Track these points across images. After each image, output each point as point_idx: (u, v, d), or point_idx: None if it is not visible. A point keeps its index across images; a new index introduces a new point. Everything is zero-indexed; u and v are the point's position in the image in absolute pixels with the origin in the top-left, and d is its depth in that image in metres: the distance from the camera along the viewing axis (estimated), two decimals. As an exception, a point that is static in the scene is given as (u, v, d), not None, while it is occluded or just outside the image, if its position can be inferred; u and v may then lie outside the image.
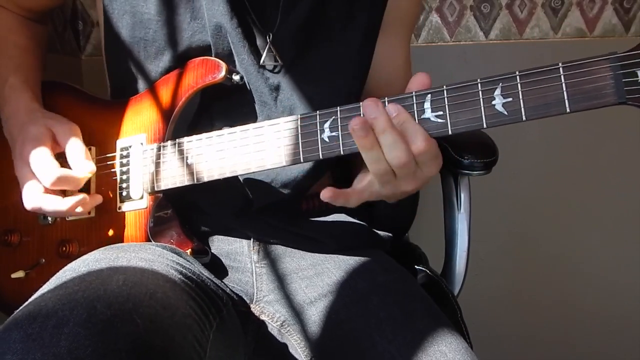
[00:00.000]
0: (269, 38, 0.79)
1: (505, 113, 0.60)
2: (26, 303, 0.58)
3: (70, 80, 0.94)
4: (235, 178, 0.83)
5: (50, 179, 0.76)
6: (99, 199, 0.82)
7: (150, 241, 0.79)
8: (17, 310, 0.57)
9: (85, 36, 1.27)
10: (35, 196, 0.77)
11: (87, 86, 1.21)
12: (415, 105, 0.64)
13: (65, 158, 0.80)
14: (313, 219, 0.87)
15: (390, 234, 0.90)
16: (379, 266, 0.83)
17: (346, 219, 0.88)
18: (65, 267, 0.66)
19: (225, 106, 0.83)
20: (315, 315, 0.78)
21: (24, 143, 0.79)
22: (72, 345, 0.50)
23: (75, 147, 0.80)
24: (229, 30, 0.78)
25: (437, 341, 0.70)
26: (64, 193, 0.80)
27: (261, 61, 0.80)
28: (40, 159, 0.77)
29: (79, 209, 0.79)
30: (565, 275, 1.59)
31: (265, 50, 0.79)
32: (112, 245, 0.76)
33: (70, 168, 0.79)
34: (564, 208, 1.54)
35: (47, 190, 0.78)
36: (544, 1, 1.43)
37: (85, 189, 0.82)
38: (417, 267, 0.93)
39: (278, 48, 0.80)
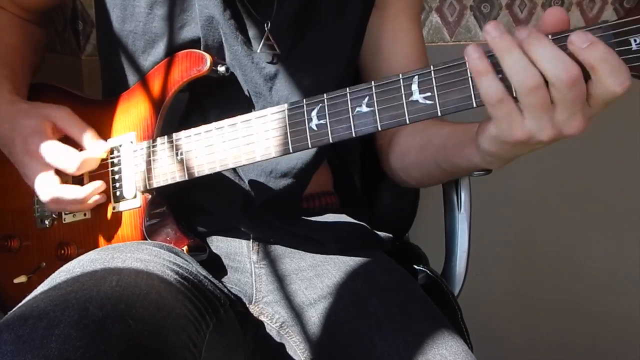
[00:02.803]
0: (267, 27, 0.78)
1: None
2: (19, 305, 0.58)
3: (70, 80, 0.94)
4: (235, 173, 0.83)
5: (75, 164, 0.78)
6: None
7: (146, 239, 0.79)
8: (10, 312, 0.56)
9: (85, 36, 1.27)
10: (53, 187, 0.78)
11: (88, 86, 1.21)
12: (402, 87, 0.62)
13: (69, 143, 0.80)
14: (313, 219, 0.86)
15: (390, 234, 0.90)
16: (378, 267, 0.82)
17: (346, 219, 0.87)
18: (61, 268, 0.66)
19: (217, 100, 0.82)
20: (314, 316, 0.78)
21: (26, 138, 0.79)
22: (63, 347, 0.50)
23: (84, 129, 0.81)
24: (220, 22, 0.77)
25: (437, 344, 0.69)
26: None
27: (258, 50, 0.79)
28: (56, 149, 0.78)
29: (95, 198, 0.80)
30: (566, 275, 1.59)
31: (263, 40, 0.79)
32: (108, 246, 0.75)
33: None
34: (564, 208, 1.54)
35: (62, 181, 0.79)
36: (544, 1, 1.43)
37: None
38: (417, 267, 0.93)
39: (275, 37, 0.79)
